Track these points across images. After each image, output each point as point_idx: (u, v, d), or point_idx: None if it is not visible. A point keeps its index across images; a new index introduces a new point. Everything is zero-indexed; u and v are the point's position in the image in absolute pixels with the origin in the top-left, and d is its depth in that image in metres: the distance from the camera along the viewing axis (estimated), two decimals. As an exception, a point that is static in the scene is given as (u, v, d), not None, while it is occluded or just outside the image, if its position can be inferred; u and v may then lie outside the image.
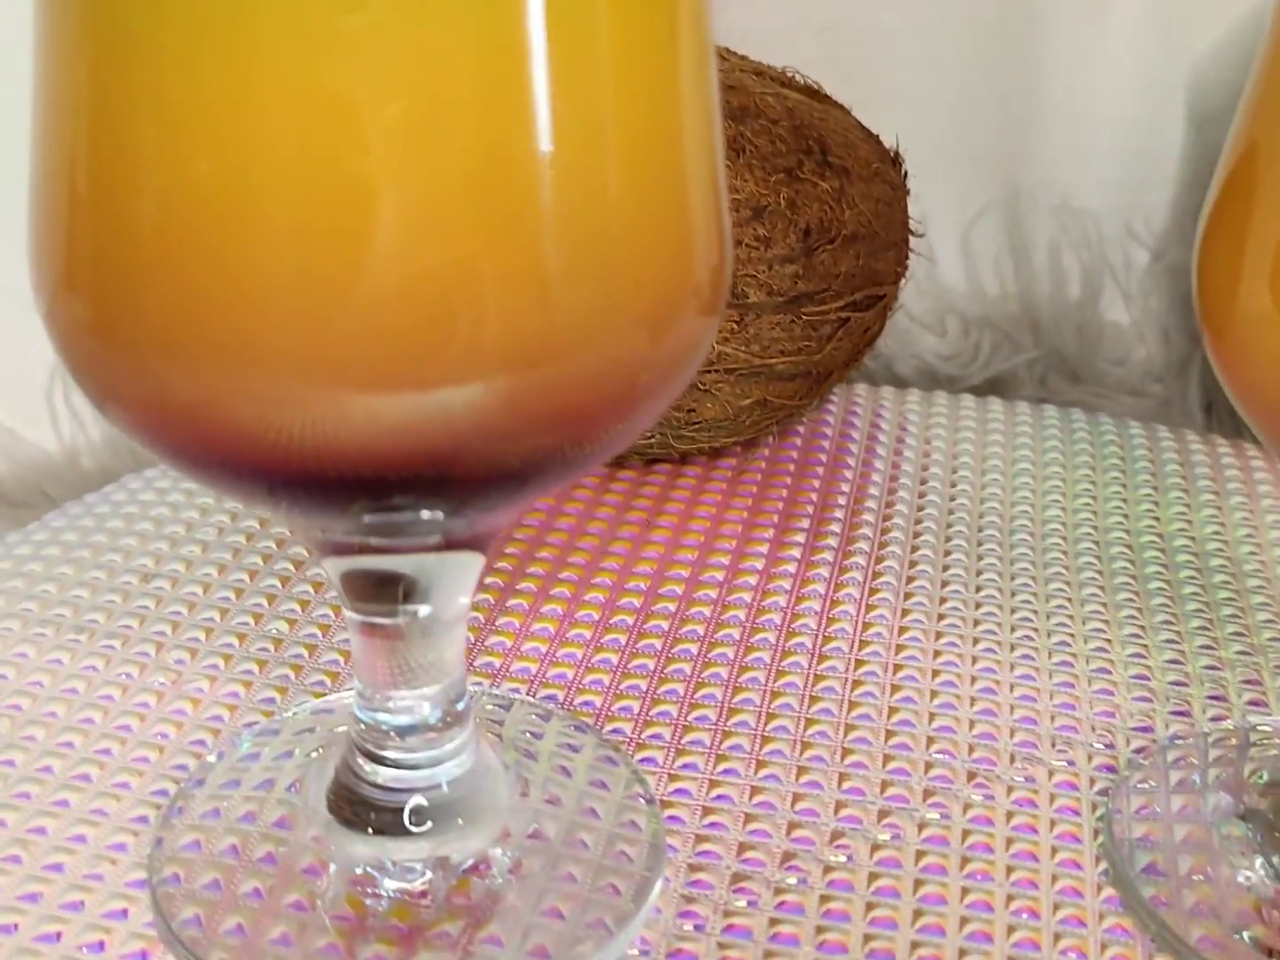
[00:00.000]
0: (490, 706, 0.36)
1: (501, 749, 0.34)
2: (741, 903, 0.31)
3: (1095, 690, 0.38)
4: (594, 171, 0.23)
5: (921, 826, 0.33)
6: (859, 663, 0.38)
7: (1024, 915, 0.31)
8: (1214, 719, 0.37)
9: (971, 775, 0.34)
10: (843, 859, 0.32)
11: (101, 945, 0.29)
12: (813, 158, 0.43)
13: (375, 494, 0.24)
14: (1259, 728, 0.36)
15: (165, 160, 0.21)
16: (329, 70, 0.20)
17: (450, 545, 0.27)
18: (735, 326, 0.43)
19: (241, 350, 0.22)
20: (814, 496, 0.47)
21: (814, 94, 0.46)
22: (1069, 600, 0.41)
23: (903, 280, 0.48)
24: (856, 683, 0.38)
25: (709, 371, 0.43)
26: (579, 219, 0.22)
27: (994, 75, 0.57)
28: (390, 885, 0.30)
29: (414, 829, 0.30)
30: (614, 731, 0.36)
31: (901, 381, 0.59)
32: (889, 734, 0.36)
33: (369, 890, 0.30)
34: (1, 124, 0.43)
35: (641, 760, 0.35)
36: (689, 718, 0.36)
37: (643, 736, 0.35)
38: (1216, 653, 0.39)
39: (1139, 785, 0.34)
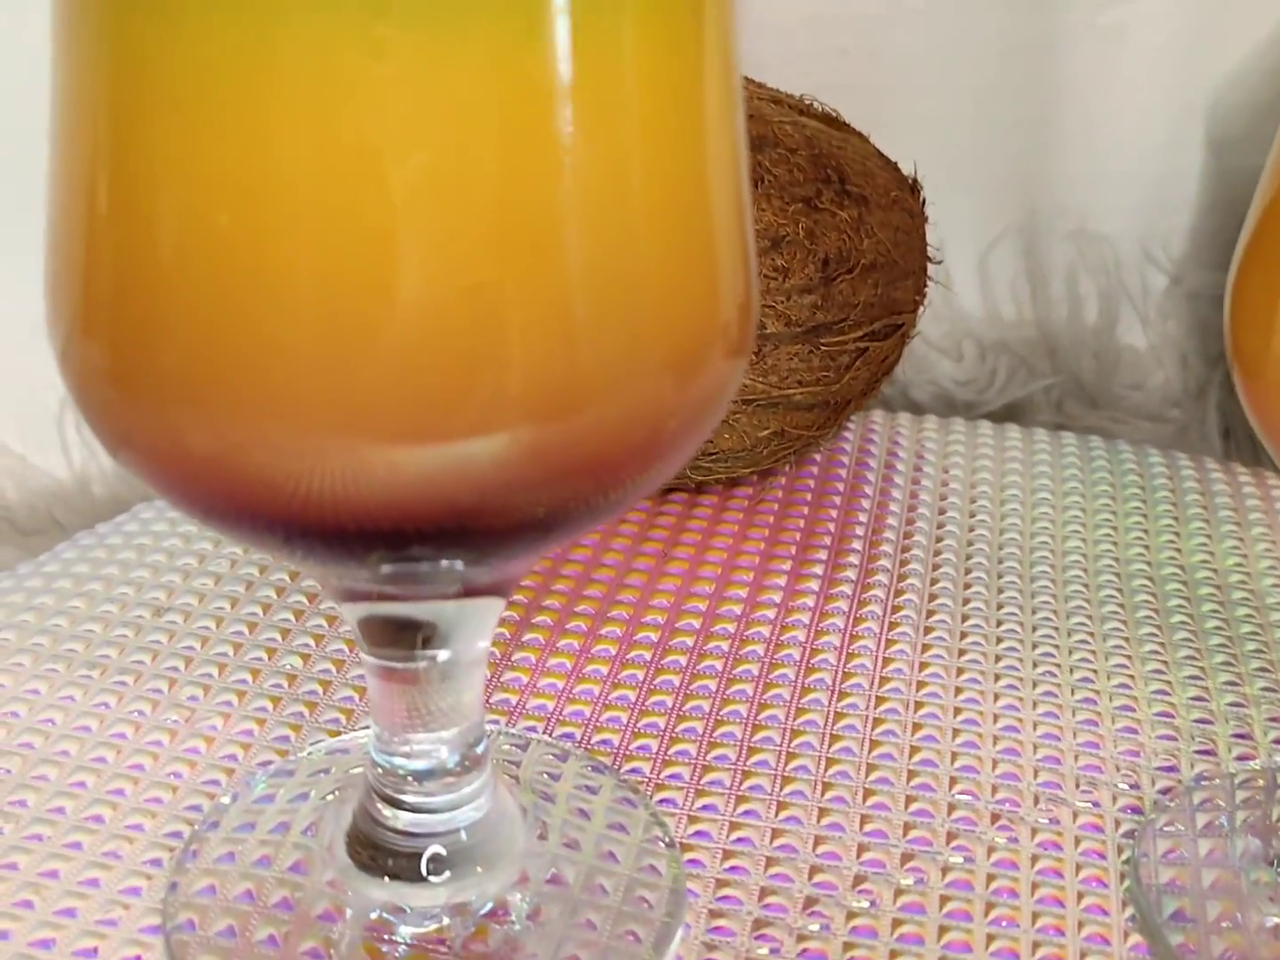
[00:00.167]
0: (507, 746, 0.35)
1: (519, 791, 0.33)
2: (764, 950, 0.30)
3: (1119, 728, 0.37)
4: (621, 218, 0.22)
5: (945, 870, 0.32)
6: (880, 699, 0.38)
7: (1051, 964, 0.30)
8: (1240, 758, 0.36)
9: (995, 817, 0.34)
10: (865, 904, 0.31)
11: (115, 994, 0.29)
12: (831, 187, 0.43)
13: (394, 545, 0.23)
14: (1286, 768, 0.36)
15: (185, 210, 0.21)
16: (350, 120, 0.20)
17: (470, 592, 0.26)
18: (753, 357, 0.43)
19: (261, 400, 0.22)
20: (831, 527, 0.46)
21: (832, 121, 0.46)
22: (1091, 635, 0.41)
23: (921, 308, 0.47)
24: (877, 720, 0.37)
25: (726, 402, 0.43)
26: (605, 266, 0.22)
27: (1011, 100, 0.57)
28: (407, 931, 0.30)
29: (432, 879, 0.30)
30: (632, 771, 0.35)
31: (918, 407, 0.58)
32: (911, 774, 0.35)
33: (385, 936, 0.30)
34: (16, 150, 0.43)
35: (661, 801, 0.34)
36: (708, 757, 0.36)
37: (661, 777, 0.35)
38: (1241, 689, 0.39)
39: (1165, 828, 0.33)
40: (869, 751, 0.36)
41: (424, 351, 0.21)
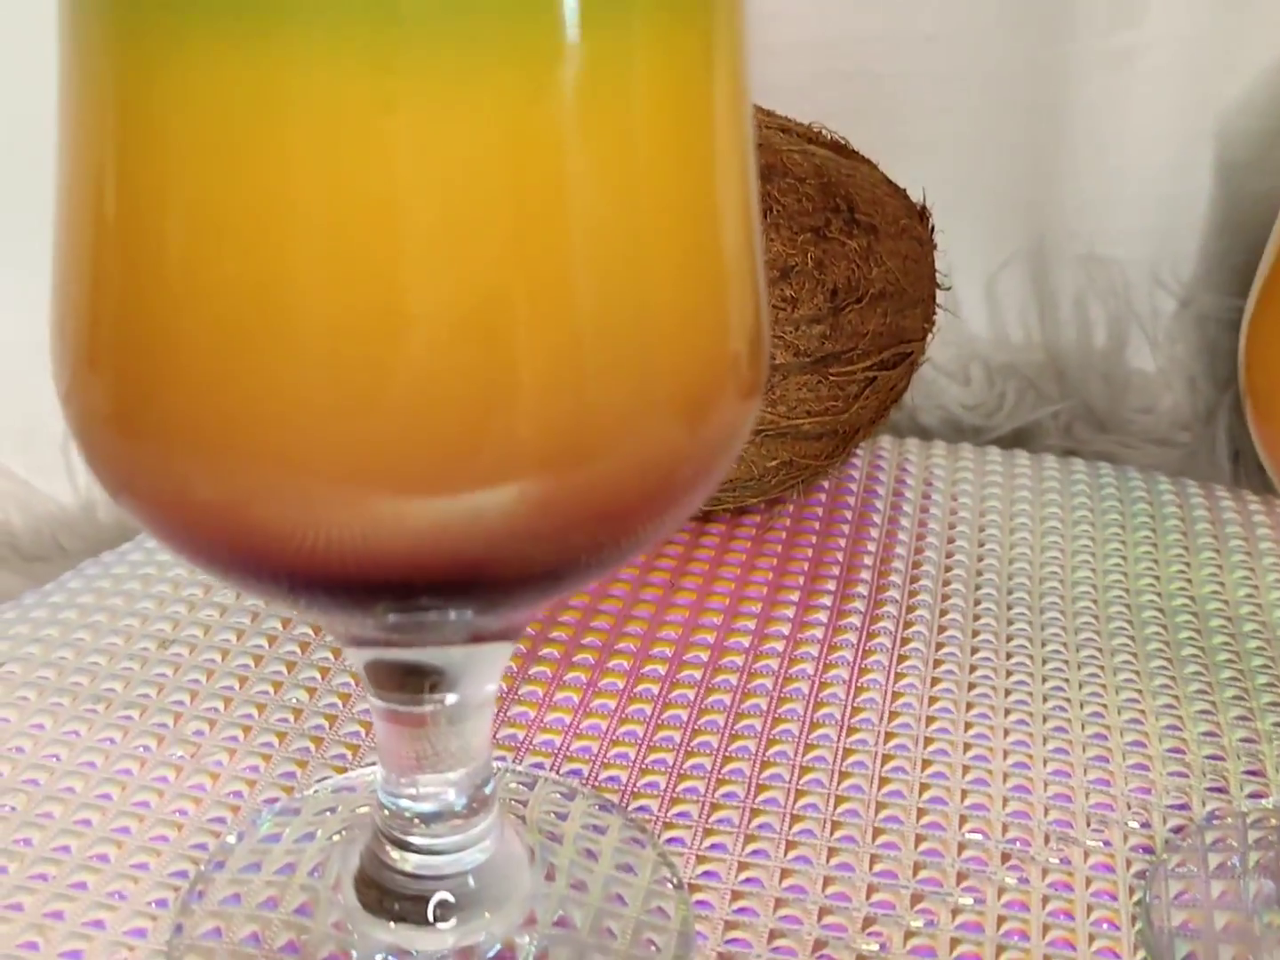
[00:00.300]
0: (514, 785, 0.35)
1: (526, 831, 0.33)
2: (773, 995, 0.30)
3: (1130, 765, 0.37)
4: (633, 263, 0.22)
5: (955, 912, 0.32)
6: (889, 735, 0.38)
7: (1063, 1010, 0.30)
8: (1252, 795, 0.36)
9: (1006, 857, 0.34)
10: (875, 948, 0.31)
11: (119, 1041, 0.29)
12: (840, 216, 0.43)
13: (401, 595, 0.23)
14: (1299, 806, 0.35)
15: (192, 258, 0.21)
16: (361, 171, 0.20)
17: (479, 638, 0.26)
18: (761, 388, 0.42)
19: (268, 449, 0.22)
20: (840, 556, 0.46)
21: (841, 149, 0.46)
22: (1101, 668, 0.41)
23: (930, 336, 0.47)
24: (887, 757, 0.37)
25: (735, 433, 0.43)
26: (617, 312, 0.22)
27: (1020, 123, 0.57)
28: (414, 976, 0.29)
29: (439, 925, 0.29)
30: (640, 809, 0.35)
31: (926, 432, 0.58)
32: (920, 812, 0.35)
33: (392, 980, 0.29)
34: (25, 173, 0.43)
35: (669, 841, 0.34)
36: (717, 795, 0.35)
37: (669, 815, 0.35)
38: (1252, 724, 0.39)
39: (1177, 869, 0.33)
40: (878, 789, 0.36)
41: (433, 402, 0.21)
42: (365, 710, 0.38)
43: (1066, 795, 0.36)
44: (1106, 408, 0.59)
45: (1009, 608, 0.43)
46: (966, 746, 0.37)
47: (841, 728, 0.38)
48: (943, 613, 0.43)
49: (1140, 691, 0.40)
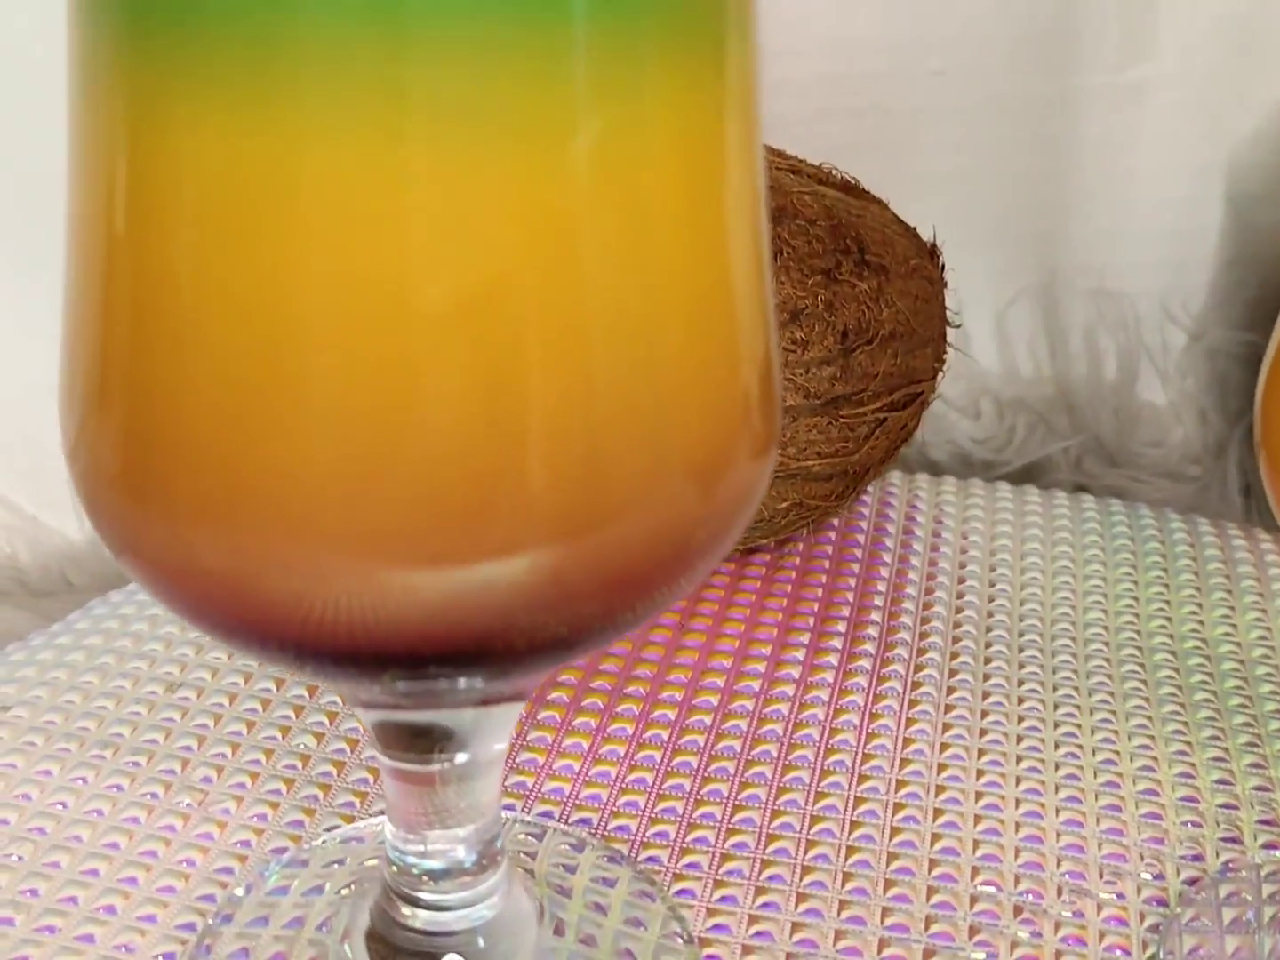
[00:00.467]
0: (523, 836, 0.35)
1: (534, 885, 0.33)
2: (784, 1054, 0.30)
3: (1143, 814, 0.37)
4: (648, 334, 0.22)
5: (968, 968, 0.32)
6: (900, 783, 0.37)
7: (1077, 1071, 0.30)
8: (1266, 846, 0.36)
9: (1018, 910, 0.34)
10: (888, 1004, 0.31)
11: None
12: (850, 258, 0.43)
13: (410, 665, 0.23)
14: (1313, 858, 0.35)
15: (200, 330, 0.21)
16: (371, 245, 0.19)
17: (489, 701, 0.26)
18: (772, 430, 0.42)
19: (276, 521, 0.21)
20: (850, 596, 0.46)
21: (851, 189, 0.46)
22: (1113, 713, 0.40)
23: (940, 375, 0.47)
24: (898, 805, 0.37)
25: (744, 475, 0.43)
26: (631, 383, 0.22)
27: (1030, 157, 0.57)
28: (422, 1034, 0.29)
29: (449, 986, 0.29)
30: (650, 860, 0.35)
31: (936, 467, 0.58)
32: (932, 863, 0.35)
33: (401, 1038, 0.29)
34: (37, 213, 0.43)
35: (678, 892, 0.34)
36: (727, 845, 0.35)
37: (679, 866, 0.35)
38: (1266, 771, 0.38)
39: (1191, 924, 0.33)
40: (890, 839, 0.35)
41: (444, 477, 0.21)
42: (372, 756, 0.38)
43: (1079, 846, 0.35)
44: (1117, 441, 0.59)
45: (1020, 650, 0.43)
46: (978, 795, 0.37)
47: (852, 775, 0.38)
48: (953, 655, 0.43)
49: (1152, 737, 0.39)
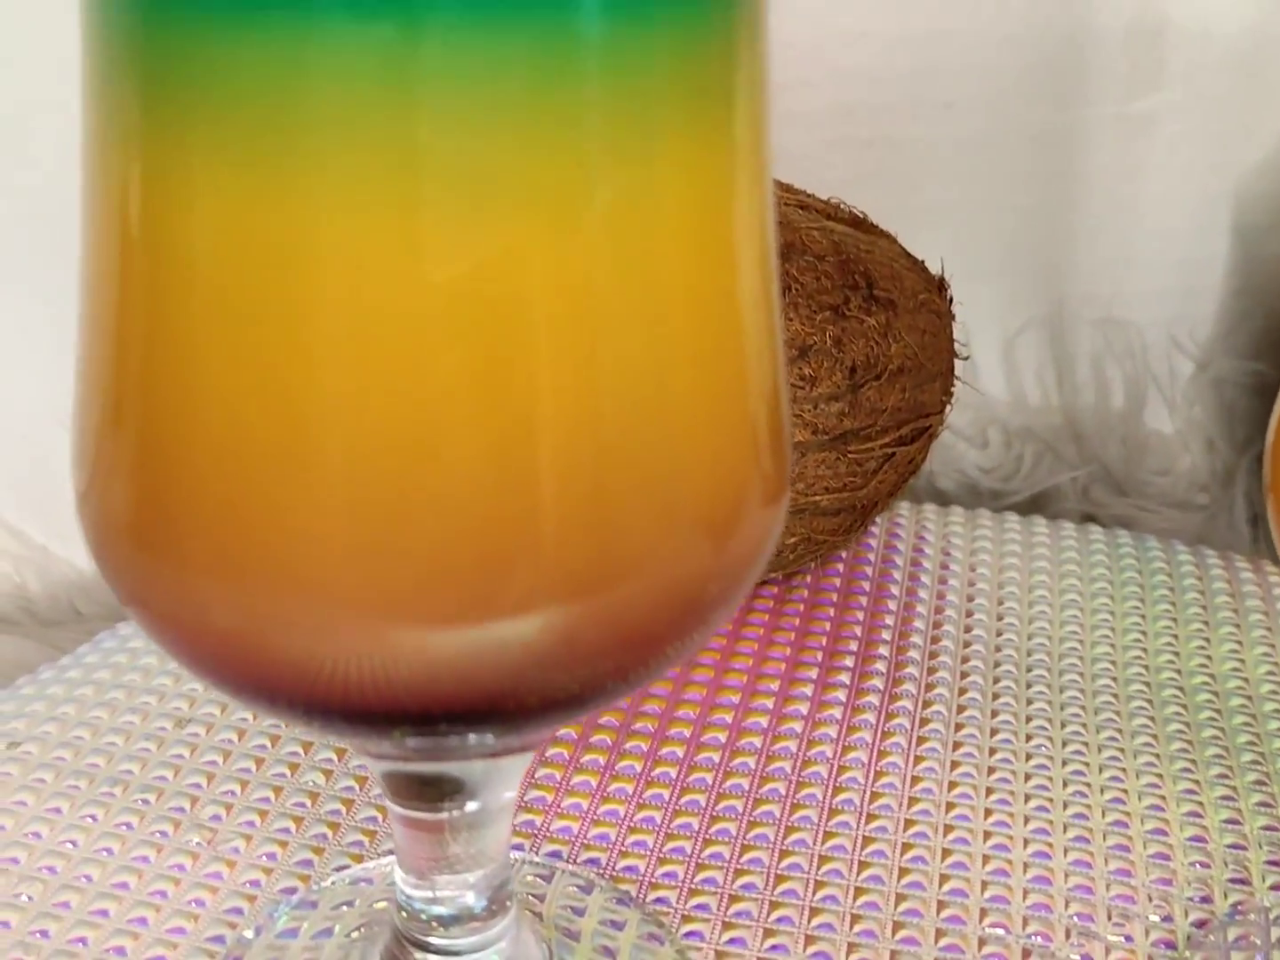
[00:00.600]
0: (531, 878, 0.35)
1: (542, 929, 0.33)
2: None
3: (1151, 855, 0.37)
4: (660, 393, 0.22)
5: (976, 1012, 0.32)
6: (908, 823, 0.37)
7: None
8: (1274, 887, 0.36)
9: (1027, 953, 0.34)
10: (896, 1050, 0.31)
11: None
12: (859, 293, 0.43)
13: (420, 723, 0.23)
14: (1322, 901, 0.35)
15: (212, 395, 0.21)
16: (385, 311, 0.20)
17: (500, 753, 0.26)
18: (780, 466, 0.42)
19: (287, 580, 0.21)
20: (858, 630, 0.46)
21: (860, 224, 0.46)
22: (1121, 751, 0.40)
23: (948, 408, 0.47)
24: (906, 845, 0.37)
25: (753, 510, 0.43)
26: (644, 441, 0.22)
27: (1038, 188, 0.57)
28: (431, 1080, 0.29)
29: (459, 1036, 0.29)
30: (658, 901, 0.35)
31: (943, 496, 0.58)
32: (940, 905, 0.35)
33: (410, 1084, 0.29)
34: (53, 248, 0.43)
35: (687, 935, 0.34)
36: (735, 886, 0.35)
37: (688, 907, 0.35)
38: (1274, 810, 0.38)
39: (1200, 968, 0.33)
40: (898, 880, 0.35)
41: (456, 539, 0.21)
42: (381, 794, 0.38)
43: (1087, 886, 0.35)
44: (1124, 470, 0.59)
45: (1028, 685, 0.43)
46: (986, 835, 0.37)
47: (860, 815, 0.38)
48: (961, 691, 0.43)
49: (1160, 776, 0.39)
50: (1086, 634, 0.46)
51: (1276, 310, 0.59)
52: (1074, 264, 0.58)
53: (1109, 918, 0.35)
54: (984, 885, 0.35)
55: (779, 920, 0.34)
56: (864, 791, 0.38)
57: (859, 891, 0.35)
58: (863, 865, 0.36)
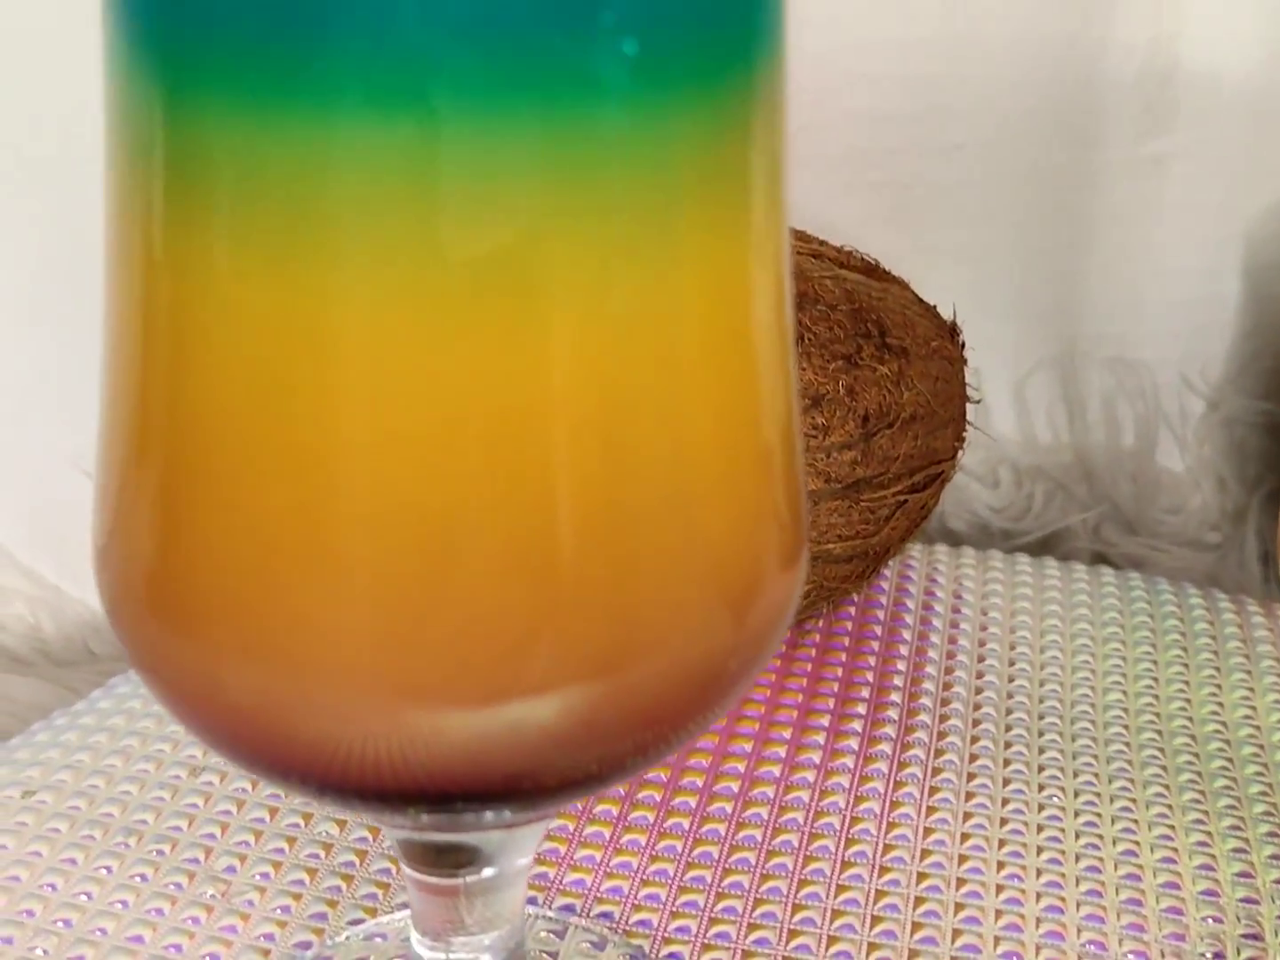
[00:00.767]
0: (544, 934, 0.35)
1: (558, 986, 0.33)
2: None
3: (1164, 909, 0.37)
4: (680, 478, 0.22)
5: (990, 1072, 0.32)
6: (921, 875, 0.37)
7: None
8: (1287, 943, 0.36)
9: (1040, 1011, 0.34)
10: None
11: None
12: (871, 341, 0.43)
13: (436, 802, 0.23)
14: (1335, 958, 0.35)
15: (235, 480, 0.21)
16: (407, 406, 0.20)
17: (517, 825, 0.26)
18: (793, 515, 0.42)
19: (305, 662, 0.22)
20: (870, 676, 0.46)
21: (872, 271, 0.46)
22: (1133, 802, 0.40)
23: (960, 453, 0.47)
24: (919, 899, 0.37)
25: (765, 559, 0.43)
26: (664, 530, 0.22)
27: (1050, 229, 0.57)
28: None
29: None
30: (671, 957, 0.35)
31: (955, 536, 0.58)
32: (953, 961, 0.35)
33: None
34: (75, 289, 0.44)
35: (700, 991, 0.34)
36: (748, 941, 0.35)
37: (701, 963, 0.35)
38: (1287, 863, 0.38)
39: (1214, 1028, 0.33)
40: (911, 935, 0.36)
41: (476, 631, 0.21)
42: (394, 845, 0.38)
43: (1100, 942, 0.36)
44: (1135, 508, 0.59)
45: (1040, 734, 0.43)
46: (999, 889, 0.37)
47: (873, 868, 0.38)
48: (973, 740, 0.43)
49: (1173, 827, 0.39)
50: (1098, 680, 0.46)
51: (1288, 349, 0.59)
52: (1085, 304, 0.58)
53: (1122, 974, 0.35)
54: (996, 941, 0.35)
55: (792, 977, 0.34)
56: (877, 844, 0.38)
57: (871, 947, 0.35)
58: (875, 920, 0.36)
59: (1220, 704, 0.45)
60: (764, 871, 0.37)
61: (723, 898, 0.37)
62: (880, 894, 0.37)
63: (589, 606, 0.21)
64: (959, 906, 0.36)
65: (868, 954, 0.35)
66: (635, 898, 0.37)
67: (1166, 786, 0.41)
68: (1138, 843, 0.39)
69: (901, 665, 0.47)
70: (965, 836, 0.39)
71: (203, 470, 0.22)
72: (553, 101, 0.19)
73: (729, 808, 0.40)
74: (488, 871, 0.28)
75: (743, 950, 0.35)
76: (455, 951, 0.30)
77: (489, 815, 0.24)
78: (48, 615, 0.52)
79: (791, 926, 0.36)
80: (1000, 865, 0.38)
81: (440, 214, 0.19)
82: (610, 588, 0.22)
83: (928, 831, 0.39)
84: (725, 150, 0.21)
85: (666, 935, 0.35)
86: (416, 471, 0.20)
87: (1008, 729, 0.43)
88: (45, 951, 0.34)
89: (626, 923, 0.36)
